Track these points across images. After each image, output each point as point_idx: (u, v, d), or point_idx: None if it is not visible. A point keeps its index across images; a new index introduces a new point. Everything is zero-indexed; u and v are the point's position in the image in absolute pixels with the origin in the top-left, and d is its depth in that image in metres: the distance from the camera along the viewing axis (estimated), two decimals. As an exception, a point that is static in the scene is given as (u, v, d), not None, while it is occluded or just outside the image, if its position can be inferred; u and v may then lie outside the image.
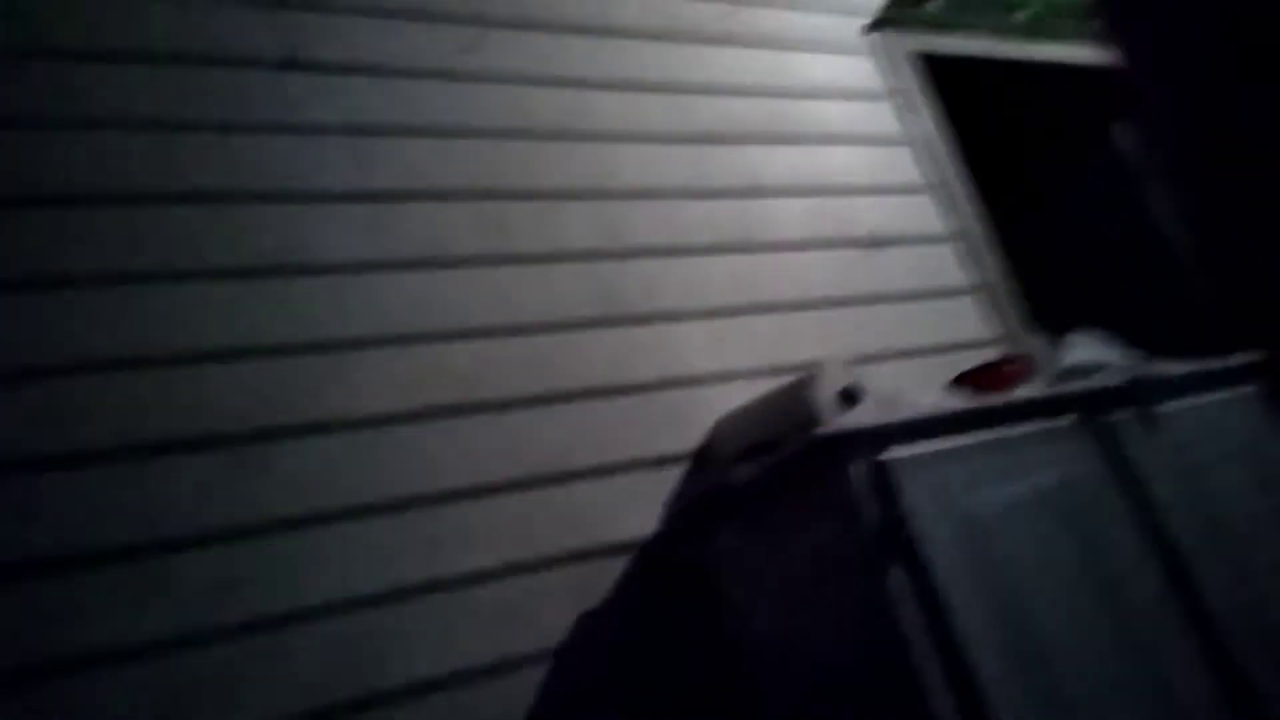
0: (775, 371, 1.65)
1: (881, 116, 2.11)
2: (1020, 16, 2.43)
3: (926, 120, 2.12)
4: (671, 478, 1.52)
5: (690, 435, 1.56)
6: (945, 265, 1.99)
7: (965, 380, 1.55)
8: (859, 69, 2.16)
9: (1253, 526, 1.21)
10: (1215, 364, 1.37)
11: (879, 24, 2.21)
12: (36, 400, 1.17)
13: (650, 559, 1.43)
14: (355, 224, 1.46)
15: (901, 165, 2.07)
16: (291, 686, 1.16)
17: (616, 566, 1.42)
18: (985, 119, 2.53)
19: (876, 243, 1.92)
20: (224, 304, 1.32)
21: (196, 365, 1.27)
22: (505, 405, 1.45)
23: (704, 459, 1.54)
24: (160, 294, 1.29)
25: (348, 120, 1.53)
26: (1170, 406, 1.26)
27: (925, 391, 1.51)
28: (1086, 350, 1.35)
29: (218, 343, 1.29)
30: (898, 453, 1.03)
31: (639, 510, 1.47)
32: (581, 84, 1.79)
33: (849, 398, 1.31)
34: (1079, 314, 1.62)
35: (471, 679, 1.25)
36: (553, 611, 1.34)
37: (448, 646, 1.26)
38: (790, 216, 1.86)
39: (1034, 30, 2.41)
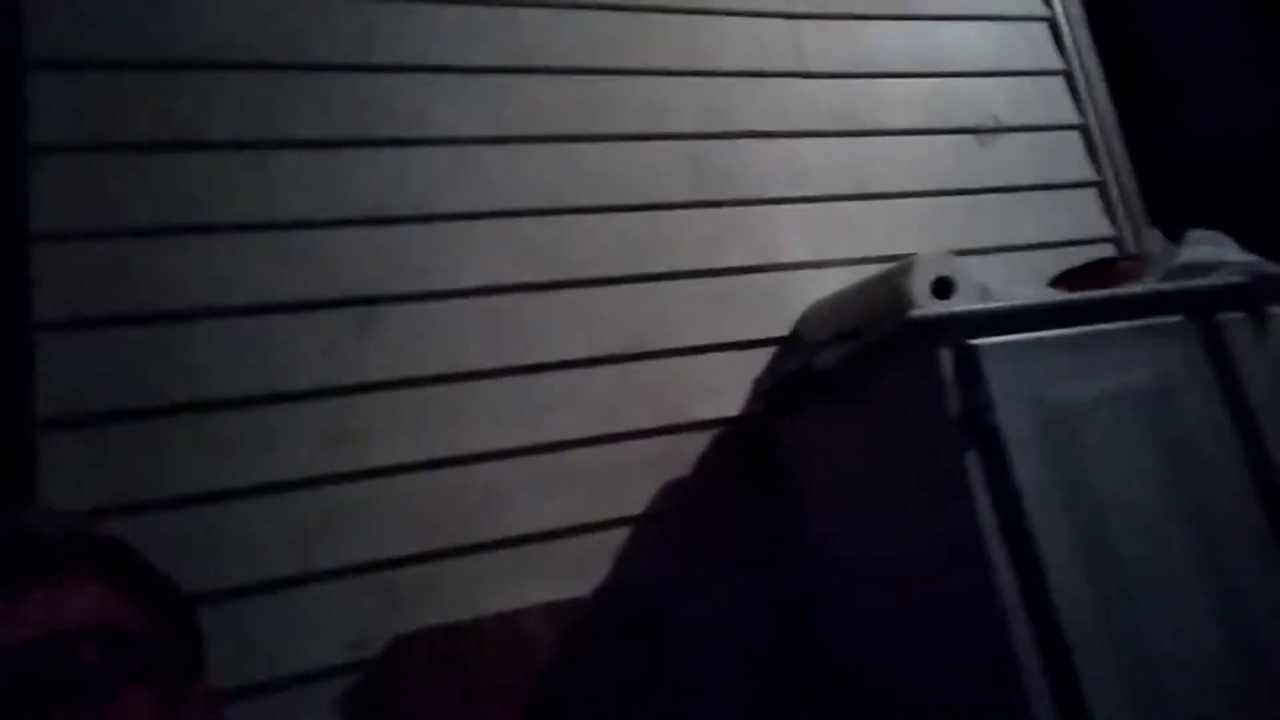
0: (872, 261, 1.64)
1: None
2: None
3: (1060, -4, 1.97)
4: (759, 361, 1.56)
5: (780, 320, 1.58)
6: (1066, 156, 1.90)
7: (1070, 277, 1.51)
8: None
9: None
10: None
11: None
12: (182, 264, 1.28)
13: (734, 436, 1.49)
14: (469, 97, 1.50)
15: (1029, 46, 1.95)
16: (402, 529, 1.29)
17: (701, 442, 1.49)
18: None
19: (994, 130, 1.84)
20: (341, 172, 1.40)
21: (315, 230, 1.36)
22: (599, 282, 1.50)
23: (793, 344, 1.56)
24: (286, 161, 1.37)
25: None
26: (1286, 310, 1.20)
27: (1026, 286, 1.49)
28: (1203, 249, 1.29)
29: (334, 212, 1.37)
30: (986, 340, 1.03)
31: (726, 390, 1.52)
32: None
33: (943, 289, 1.31)
34: (1202, 213, 1.54)
35: (561, 535, 1.36)
36: (639, 481, 1.43)
37: (543, 504, 1.36)
38: (901, 100, 1.80)
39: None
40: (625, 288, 1.52)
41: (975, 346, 1.03)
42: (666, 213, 1.58)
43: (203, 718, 0.47)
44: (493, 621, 1.25)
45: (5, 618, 0.40)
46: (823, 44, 1.78)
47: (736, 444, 1.49)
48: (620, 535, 1.40)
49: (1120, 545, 1.00)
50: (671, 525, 1.41)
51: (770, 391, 1.47)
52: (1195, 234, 1.39)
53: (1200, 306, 1.17)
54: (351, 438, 1.30)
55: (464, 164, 1.46)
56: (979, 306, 1.09)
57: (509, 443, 1.37)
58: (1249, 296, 1.19)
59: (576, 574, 1.35)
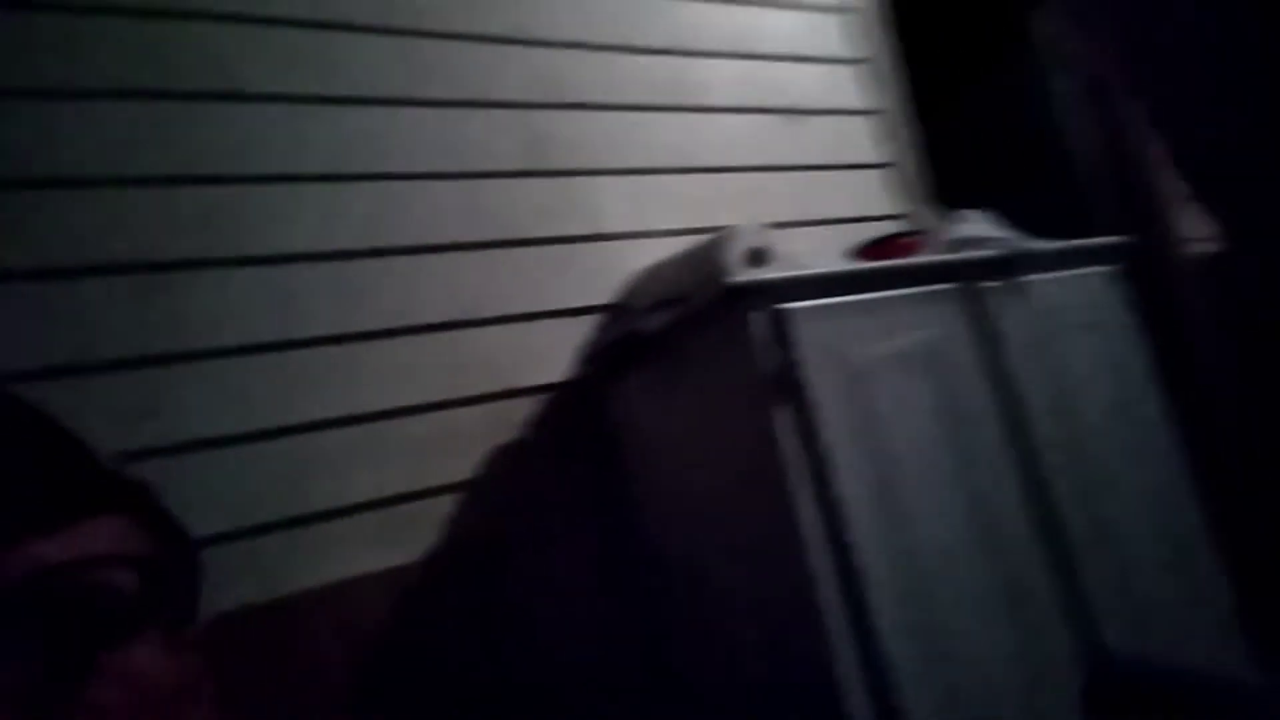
0: (693, 232, 1.72)
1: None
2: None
3: (862, -8, 2.14)
4: (588, 327, 1.62)
5: (608, 288, 1.64)
6: (863, 140, 2.07)
7: (865, 250, 1.67)
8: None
9: (1088, 385, 1.39)
10: (1082, 243, 1.52)
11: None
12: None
13: (564, 400, 1.54)
14: (287, 56, 1.43)
15: (835, 36, 2.10)
16: (220, 505, 1.24)
17: (532, 407, 1.52)
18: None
19: (800, 111, 1.98)
20: (160, 128, 1.30)
21: (114, 190, 1.26)
22: (428, 249, 1.49)
23: (619, 311, 1.63)
24: (74, 111, 1.26)
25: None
26: (1037, 279, 1.41)
27: (828, 256, 1.63)
28: (974, 226, 1.48)
29: (139, 170, 1.28)
30: (795, 304, 1.14)
31: (557, 357, 1.57)
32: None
33: (758, 258, 1.41)
34: (978, 194, 1.75)
35: (391, 503, 1.36)
36: (471, 447, 1.45)
37: (371, 473, 1.35)
38: (720, 80, 1.90)
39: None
40: (455, 255, 1.52)
41: (786, 310, 1.13)
42: (497, 181, 1.59)
43: (200, 662, 0.48)
44: (317, 594, 1.24)
45: (44, 549, 0.41)
46: (650, 21, 1.84)
47: (566, 408, 1.54)
48: (452, 501, 1.41)
49: (904, 490, 1.15)
50: (503, 488, 1.45)
51: (597, 356, 1.53)
52: (968, 212, 1.58)
53: (970, 276, 1.34)
54: (161, 411, 1.23)
55: (282, 124, 1.41)
56: (789, 274, 1.19)
57: (335, 412, 1.34)
58: (1009, 267, 1.38)
59: (408, 541, 1.36)
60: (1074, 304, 1.44)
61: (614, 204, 1.71)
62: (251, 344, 1.31)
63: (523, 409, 1.52)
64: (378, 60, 1.52)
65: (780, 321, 1.13)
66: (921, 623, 1.09)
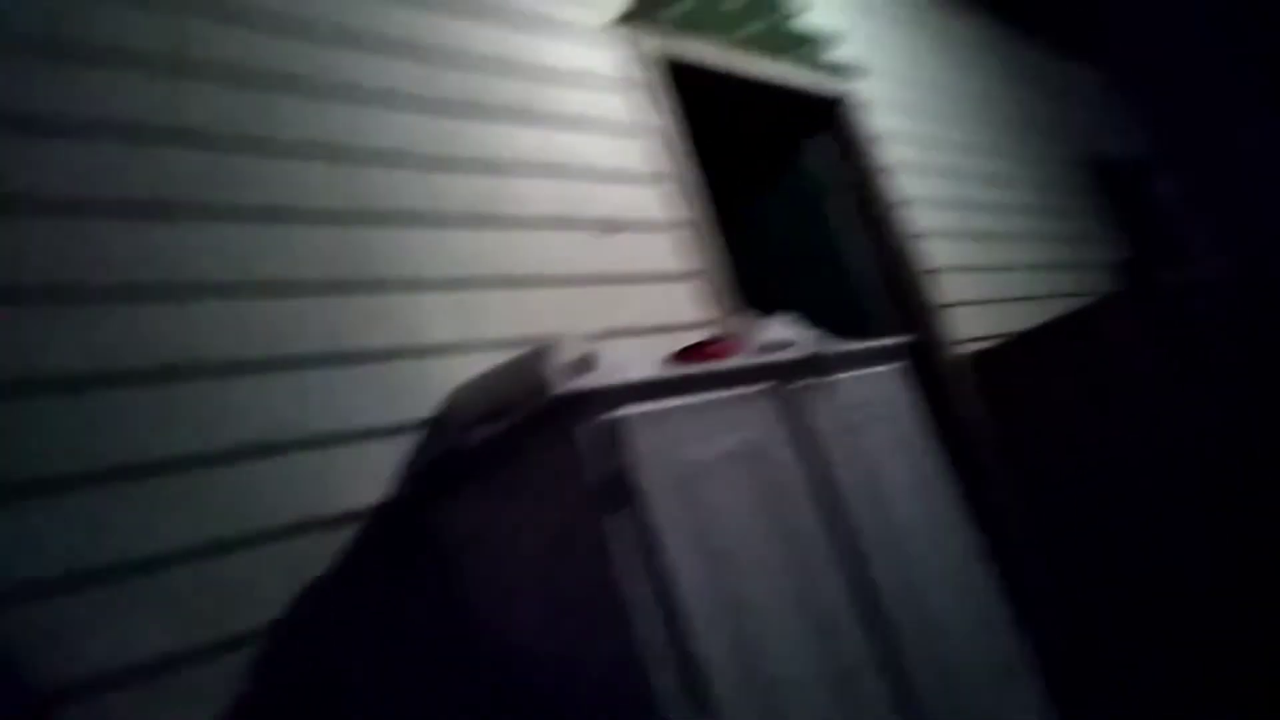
0: (514, 344, 1.72)
1: (626, 107, 2.26)
2: (748, 31, 2.70)
3: (666, 115, 2.30)
4: (405, 447, 1.55)
5: (426, 404, 1.59)
6: (674, 252, 2.19)
7: (682, 355, 1.74)
8: (607, 60, 2.29)
9: (890, 471, 1.50)
10: (873, 344, 1.67)
11: (625, 19, 2.36)
12: None
13: (380, 526, 1.45)
14: (80, 159, 1.32)
15: (641, 155, 2.23)
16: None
17: (347, 536, 1.42)
18: (717, 120, 2.79)
19: (613, 226, 2.07)
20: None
21: None
22: (224, 370, 1.38)
23: (439, 426, 1.58)
24: None
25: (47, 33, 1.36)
26: (840, 377, 1.52)
27: (649, 363, 1.68)
28: (780, 329, 1.58)
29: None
30: (623, 411, 1.15)
31: (371, 479, 1.48)
32: (318, 36, 1.73)
33: (581, 367, 1.43)
34: (780, 299, 1.88)
35: (169, 666, 1.17)
36: (273, 587, 1.30)
37: (137, 634, 1.16)
38: (535, 195, 1.95)
39: (752, 46, 2.70)
40: (255, 378, 1.42)
41: (614, 418, 1.14)
42: (306, 296, 1.52)
43: None
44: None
45: None
46: (465, 140, 1.87)
47: (387, 532, 1.45)
48: (245, 657, 1.24)
49: (740, 585, 1.17)
50: (316, 631, 1.32)
51: (419, 475, 1.46)
52: (773, 316, 1.69)
53: (782, 375, 1.43)
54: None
55: (78, 238, 1.27)
56: (615, 381, 1.21)
57: (95, 562, 1.14)
58: (816, 367, 1.48)
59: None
60: (871, 398, 1.57)
61: (433, 317, 1.67)
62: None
63: (338, 539, 1.40)
64: (176, 170, 1.44)
65: (610, 428, 1.14)
66: (763, 709, 1.10)
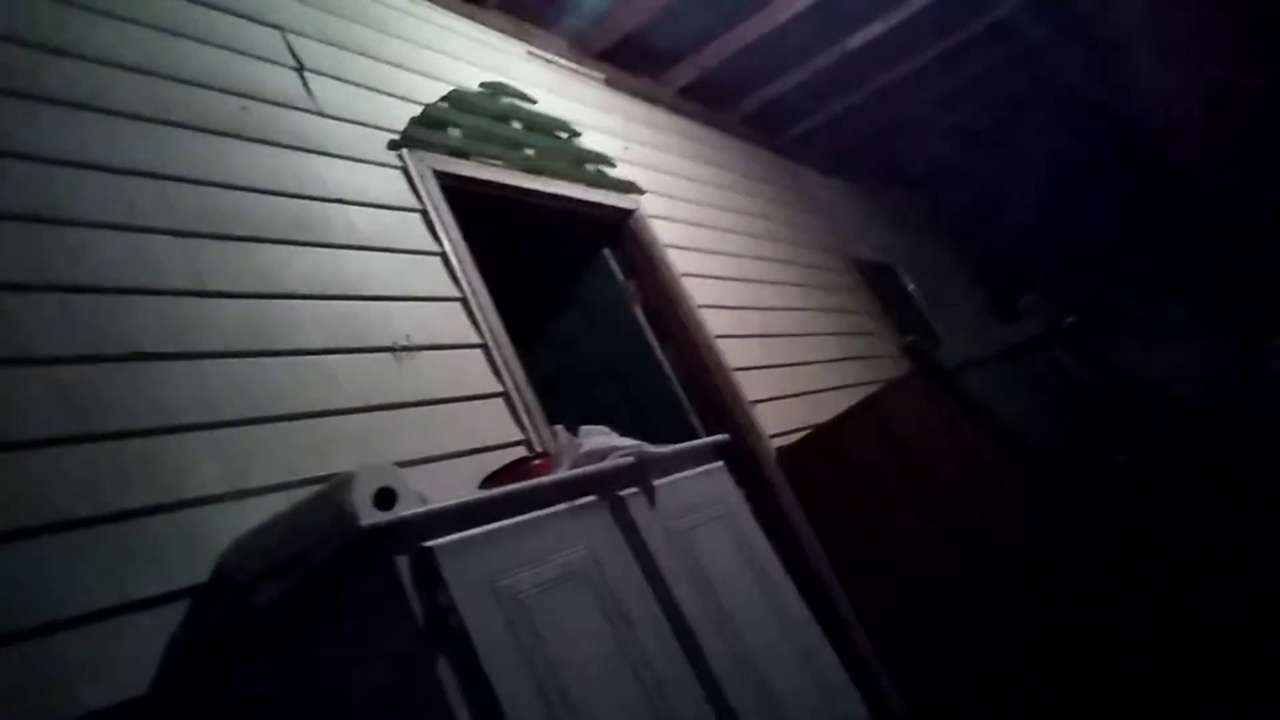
0: (302, 484, 1.53)
1: (410, 228, 2.18)
2: (526, 153, 2.74)
3: (451, 235, 2.23)
4: (173, 620, 1.29)
5: (198, 565, 1.35)
6: (474, 372, 2.08)
7: (496, 477, 1.61)
8: (388, 181, 2.21)
9: (725, 568, 1.45)
10: (693, 444, 1.63)
11: (404, 142, 2.31)
12: None
13: (147, 721, 1.18)
14: None
15: (430, 275, 2.14)
16: None
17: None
18: (511, 237, 2.76)
19: (407, 348, 1.93)
20: None
21: None
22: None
23: (217, 588, 1.34)
24: None
25: None
26: (665, 481, 1.46)
27: (461, 489, 1.54)
28: (597, 439, 1.51)
29: None
30: (439, 540, 1.01)
31: (130, 664, 1.21)
32: (49, 161, 1.53)
33: (386, 499, 1.27)
34: (589, 410, 1.82)
35: None
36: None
37: None
38: (314, 320, 1.78)
39: (536, 166, 2.73)
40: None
41: (431, 548, 1.00)
42: (33, 451, 1.26)
43: None
44: None
45: None
46: (224, 264, 1.69)
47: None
48: None
49: (583, 710, 1.03)
50: None
51: (191, 652, 1.21)
52: (587, 427, 1.62)
53: (606, 486, 1.34)
54: None
55: None
56: (427, 508, 1.08)
57: None
58: (640, 473, 1.41)
59: None
60: (700, 498, 1.52)
61: (199, 464, 1.45)
62: None
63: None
64: None
65: (427, 559, 1.00)
66: None
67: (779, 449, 2.92)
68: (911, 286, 5.49)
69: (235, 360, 1.60)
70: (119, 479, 1.34)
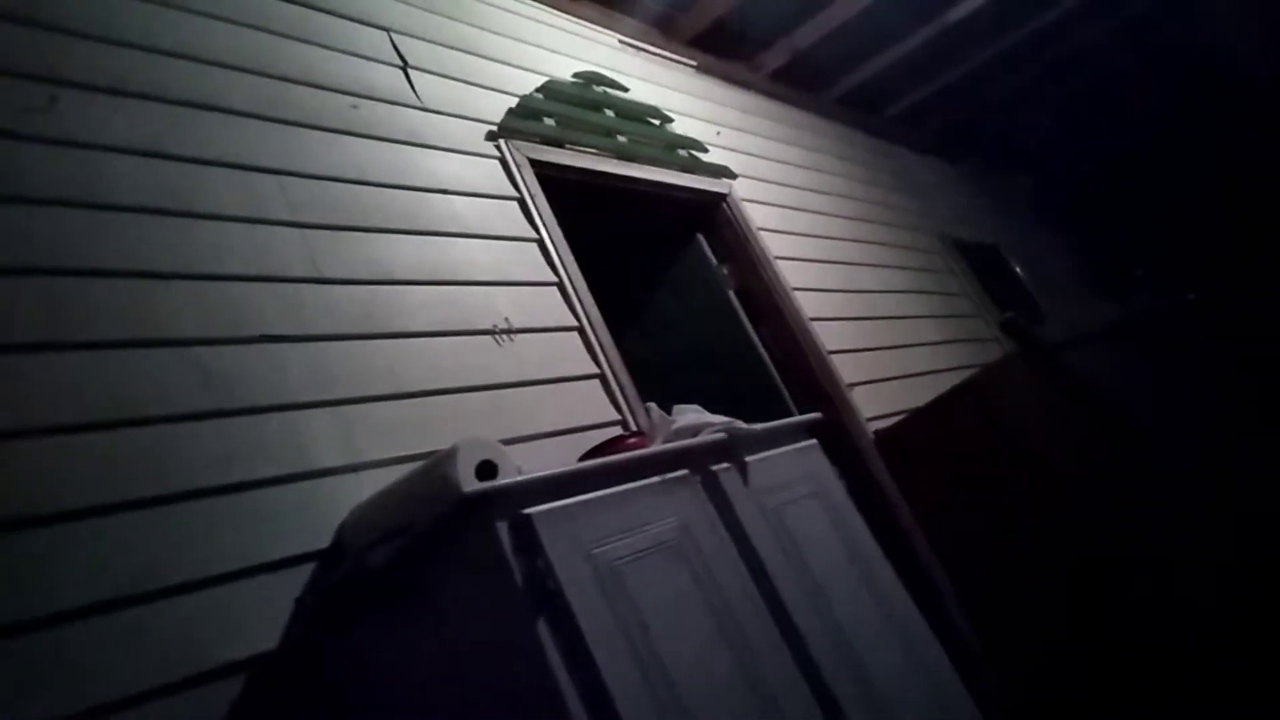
0: (411, 459, 1.61)
1: (508, 215, 2.25)
2: (619, 140, 2.78)
3: (548, 221, 2.30)
4: (298, 581, 1.40)
5: (319, 532, 1.45)
6: (571, 353, 2.14)
7: (593, 453, 1.66)
8: (487, 171, 2.29)
9: (819, 546, 1.45)
10: (786, 422, 1.64)
11: (501, 133, 2.39)
12: None
13: (277, 673, 1.28)
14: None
15: (528, 261, 2.21)
16: None
17: (235, 689, 1.25)
18: (608, 223, 2.82)
19: (506, 331, 2.01)
20: None
21: None
22: (86, 513, 1.23)
23: (336, 553, 1.44)
24: None
25: None
26: (758, 457, 1.48)
27: (560, 465, 1.59)
28: (690, 416, 1.54)
29: None
30: (538, 508, 1.07)
31: (264, 620, 1.32)
32: (180, 158, 1.66)
33: (488, 471, 1.33)
34: (684, 391, 1.85)
35: None
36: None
37: None
38: (420, 305, 1.87)
39: (629, 153, 2.77)
40: (123, 516, 1.26)
41: (529, 514, 1.05)
42: (170, 426, 1.38)
43: None
44: None
45: None
46: (338, 253, 1.80)
47: (281, 682, 1.28)
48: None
49: (676, 675, 1.07)
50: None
51: (315, 610, 1.31)
52: (681, 406, 1.65)
53: (698, 461, 1.37)
54: None
55: None
56: (526, 477, 1.13)
57: None
58: (733, 449, 1.43)
59: None
60: (791, 474, 1.53)
61: (319, 439, 1.55)
62: None
63: (225, 693, 1.23)
64: (10, 304, 1.31)
65: (525, 527, 1.05)
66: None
67: (876, 432, 2.88)
68: (1017, 267, 5.28)
69: (349, 343, 1.70)
70: (251, 452, 1.45)
